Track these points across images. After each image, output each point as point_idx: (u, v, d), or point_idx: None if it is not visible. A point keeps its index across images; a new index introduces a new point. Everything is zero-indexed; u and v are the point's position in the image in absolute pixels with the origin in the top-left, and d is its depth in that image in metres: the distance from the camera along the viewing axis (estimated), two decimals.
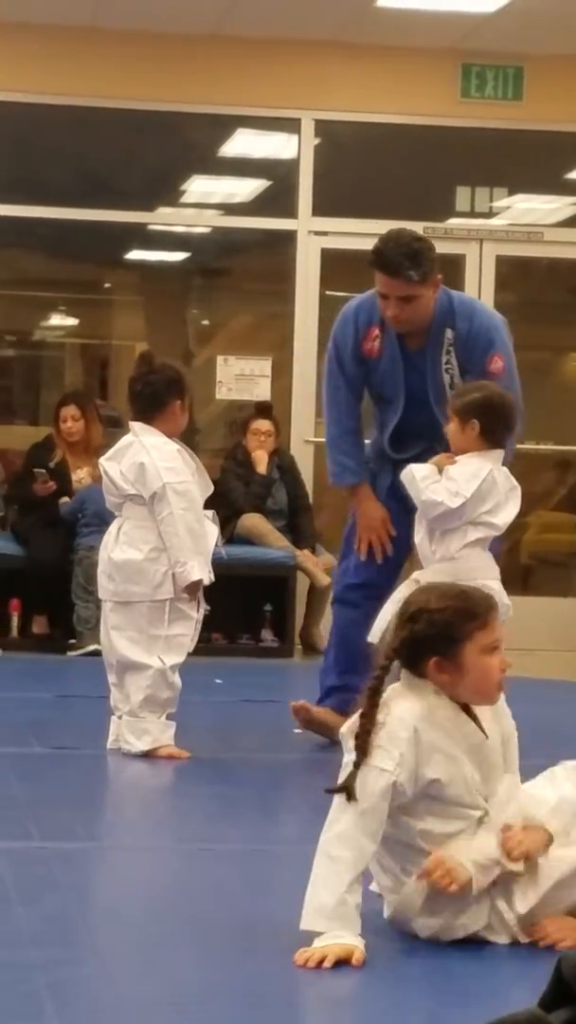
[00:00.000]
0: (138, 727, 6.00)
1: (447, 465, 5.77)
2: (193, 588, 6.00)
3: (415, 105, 10.29)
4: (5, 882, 4.12)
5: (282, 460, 10.12)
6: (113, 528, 6.14)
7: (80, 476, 9.65)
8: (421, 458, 6.10)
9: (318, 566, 9.75)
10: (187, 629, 6.04)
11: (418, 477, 5.73)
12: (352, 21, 9.78)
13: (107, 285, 12.83)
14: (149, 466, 5.98)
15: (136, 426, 6.13)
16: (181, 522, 5.95)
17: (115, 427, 11.33)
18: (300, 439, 10.35)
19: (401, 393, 6.30)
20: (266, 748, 6.03)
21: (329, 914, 3.52)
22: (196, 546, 5.99)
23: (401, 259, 6.13)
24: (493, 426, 5.77)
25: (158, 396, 6.10)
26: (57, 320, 13.13)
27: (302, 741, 6.53)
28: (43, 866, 4.31)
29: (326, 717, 6.32)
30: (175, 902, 4.09)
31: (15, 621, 9.54)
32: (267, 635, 9.78)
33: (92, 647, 9.18)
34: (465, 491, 5.68)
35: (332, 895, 3.52)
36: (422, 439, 6.25)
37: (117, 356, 12.94)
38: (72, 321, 13.14)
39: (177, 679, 6.04)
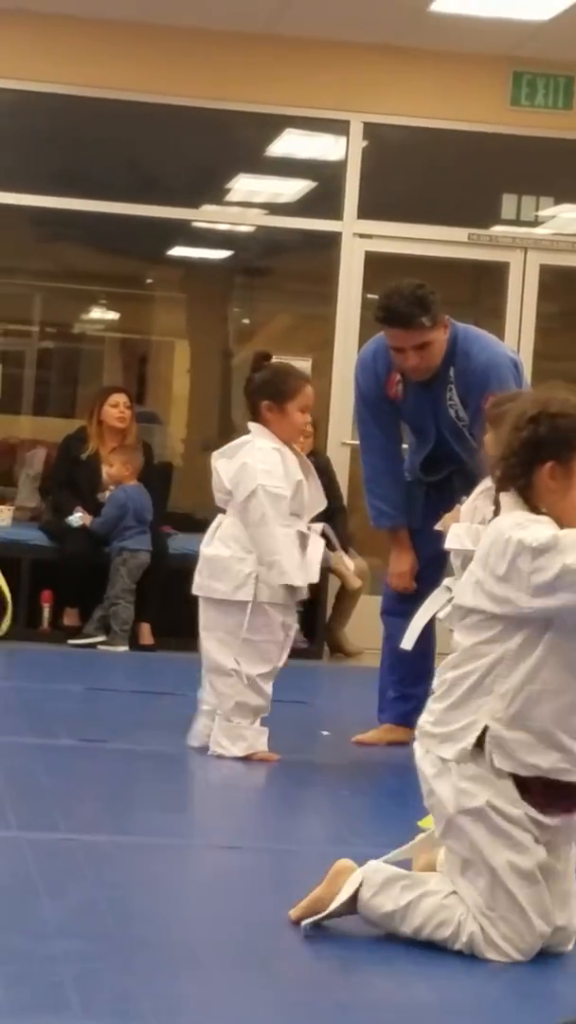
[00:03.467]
0: (233, 732, 5.92)
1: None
2: (289, 592, 5.91)
3: (465, 111, 10.27)
4: (31, 874, 4.13)
5: (318, 461, 10.07)
6: (214, 523, 6.11)
7: (110, 470, 9.65)
8: (449, 480, 6.34)
9: (351, 569, 9.74)
10: (272, 636, 5.94)
11: (469, 545, 5.69)
12: (405, 25, 9.76)
13: (149, 281, 12.85)
14: (250, 467, 5.93)
15: (253, 427, 6.08)
16: (273, 523, 5.88)
17: (150, 423, 11.37)
18: (337, 441, 10.34)
19: (431, 426, 6.37)
20: (293, 749, 6.02)
21: None
22: (290, 549, 5.90)
23: (412, 309, 6.15)
24: None
25: (251, 399, 6.06)
26: (98, 314, 13.15)
27: (329, 742, 6.53)
28: (69, 858, 4.32)
29: (388, 736, 6.33)
30: (201, 899, 4.09)
31: (46, 613, 9.55)
32: (297, 635, 9.76)
33: (123, 648, 9.20)
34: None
35: None
36: (450, 463, 6.36)
37: (156, 352, 12.96)
38: (113, 315, 13.16)
39: (264, 686, 5.93)
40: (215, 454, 6.16)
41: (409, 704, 6.57)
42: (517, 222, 10.55)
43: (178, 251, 11.75)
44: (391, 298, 6.19)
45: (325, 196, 10.49)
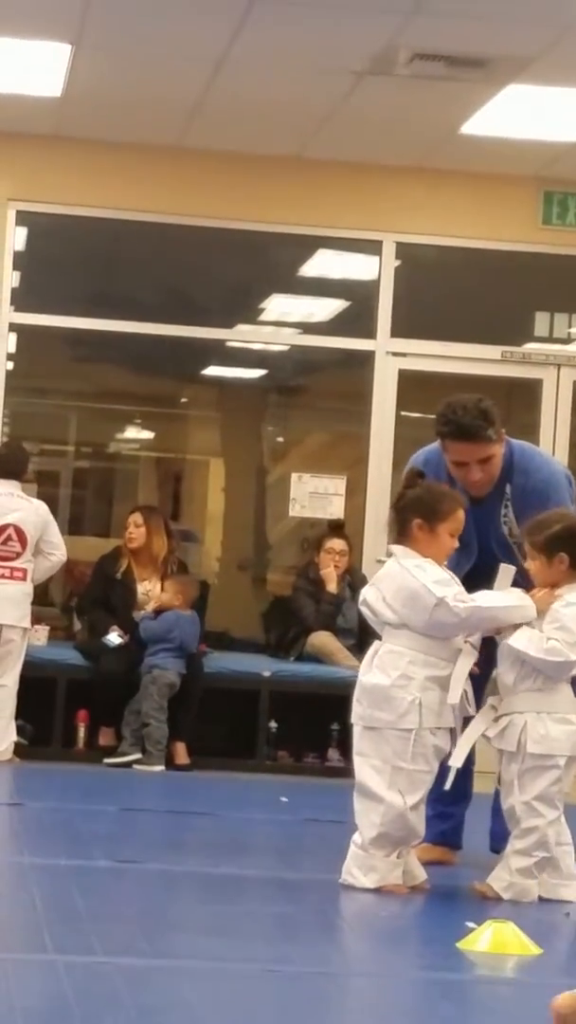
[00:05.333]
0: (366, 863, 5.79)
1: (552, 603, 5.73)
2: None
3: (496, 230, 10.36)
4: (67, 998, 4.08)
5: (354, 579, 10.09)
6: (371, 651, 5.94)
7: (146, 588, 9.65)
8: None
9: None
10: (428, 765, 5.80)
11: (532, 652, 5.70)
12: (436, 147, 9.86)
13: (184, 400, 12.93)
14: (419, 589, 5.78)
15: (396, 549, 5.95)
16: (481, 613, 5.75)
17: (188, 541, 11.38)
18: (372, 558, 10.32)
19: (475, 541, 6.33)
20: (330, 869, 5.96)
21: None
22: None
23: (477, 422, 6.15)
24: None
25: (400, 515, 5.94)
26: (133, 433, 13.22)
27: None
28: (106, 982, 4.27)
29: (426, 855, 6.23)
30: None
31: (82, 733, 9.51)
32: (334, 754, 9.70)
33: (159, 767, 9.14)
34: None
35: None
36: (490, 578, 6.31)
37: (191, 471, 13.02)
38: (148, 435, 13.23)
39: (411, 817, 5.79)
40: (364, 589, 6.05)
41: (447, 823, 6.50)
42: (550, 339, 10.59)
43: (213, 370, 11.83)
44: (455, 412, 6.17)
45: (358, 315, 10.57)
